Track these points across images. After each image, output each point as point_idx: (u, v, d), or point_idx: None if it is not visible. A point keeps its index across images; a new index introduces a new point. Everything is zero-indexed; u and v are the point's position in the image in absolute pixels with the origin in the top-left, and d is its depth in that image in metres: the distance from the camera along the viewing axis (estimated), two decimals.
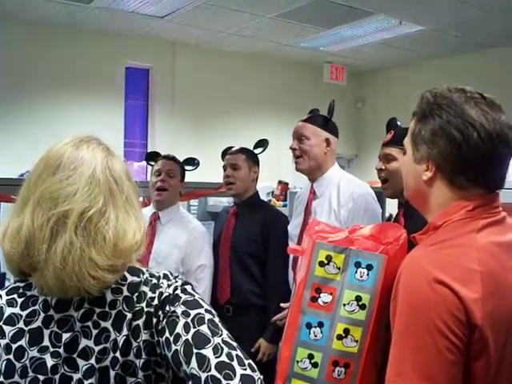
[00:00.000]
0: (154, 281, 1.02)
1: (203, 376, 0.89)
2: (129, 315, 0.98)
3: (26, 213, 0.97)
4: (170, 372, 1.00)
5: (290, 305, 1.25)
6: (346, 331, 1.18)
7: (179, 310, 0.97)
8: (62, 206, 0.95)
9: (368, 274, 1.18)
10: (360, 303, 1.17)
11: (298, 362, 1.20)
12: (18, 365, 0.95)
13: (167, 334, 0.95)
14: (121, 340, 0.96)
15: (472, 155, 1.02)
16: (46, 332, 0.97)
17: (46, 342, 0.96)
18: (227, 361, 0.91)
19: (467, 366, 0.94)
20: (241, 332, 2.51)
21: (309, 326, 1.20)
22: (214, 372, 0.89)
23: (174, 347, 0.93)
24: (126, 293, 1.00)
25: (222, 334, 0.95)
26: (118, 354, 0.96)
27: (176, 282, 1.03)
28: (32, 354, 0.96)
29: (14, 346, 0.96)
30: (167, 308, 0.98)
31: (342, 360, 1.18)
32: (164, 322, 0.97)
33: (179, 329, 0.95)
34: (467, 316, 0.93)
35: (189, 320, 0.96)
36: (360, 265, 1.19)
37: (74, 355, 0.96)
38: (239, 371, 0.89)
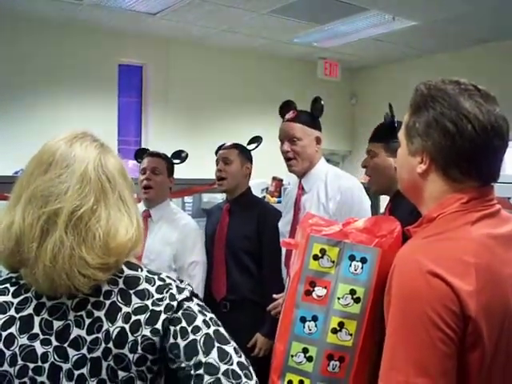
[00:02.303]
0: (160, 282, 1.02)
1: (223, 367, 0.91)
2: (125, 308, 0.98)
3: (18, 210, 0.97)
4: (162, 371, 1.01)
5: (283, 298, 1.26)
6: (341, 325, 1.17)
7: (195, 308, 1.00)
8: (52, 204, 0.95)
9: (362, 268, 1.17)
10: (354, 297, 1.17)
11: (292, 356, 1.20)
12: (7, 353, 0.95)
13: (184, 324, 0.97)
14: (114, 331, 0.96)
15: (466, 147, 1.02)
16: (37, 319, 0.97)
17: (36, 329, 0.96)
18: (246, 364, 0.94)
19: (461, 359, 0.94)
20: (237, 327, 2.51)
21: (303, 319, 1.20)
22: (235, 367, 0.92)
23: (192, 336, 0.95)
24: (121, 285, 1.00)
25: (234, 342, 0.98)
26: (110, 345, 0.96)
27: (185, 286, 1.04)
28: (22, 342, 0.96)
29: (3, 334, 0.96)
30: (181, 303, 0.99)
31: (336, 354, 1.18)
32: (179, 314, 0.98)
33: (198, 322, 0.97)
34: (461, 308, 0.92)
35: (207, 318, 0.98)
36: (354, 258, 1.18)
37: (65, 345, 0.96)
38: (254, 378, 0.93)
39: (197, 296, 1.04)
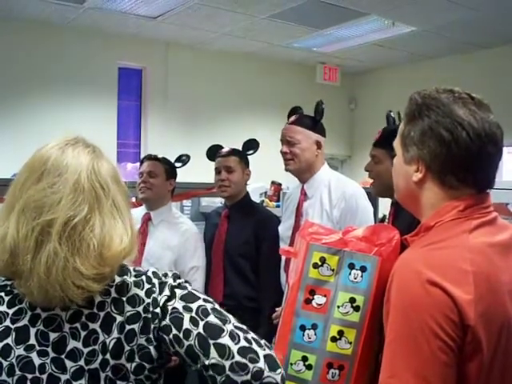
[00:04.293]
0: (147, 285, 1.01)
1: (227, 364, 0.91)
2: (119, 318, 0.97)
3: (11, 221, 0.96)
4: (161, 376, 1.01)
5: (282, 307, 1.26)
6: (340, 333, 1.17)
7: (179, 305, 0.98)
8: (46, 215, 0.94)
9: (362, 276, 1.17)
10: (354, 305, 1.17)
11: (291, 364, 1.20)
12: (4, 363, 0.94)
13: (175, 331, 0.96)
14: (110, 342, 0.96)
15: (461, 155, 1.02)
16: (33, 330, 0.96)
17: (33, 341, 0.96)
18: (247, 345, 0.93)
19: (460, 367, 0.94)
20: None
21: (302, 328, 1.20)
22: (238, 358, 0.91)
23: (186, 343, 0.94)
24: (114, 294, 0.99)
25: (230, 320, 0.97)
26: (107, 356, 0.95)
27: (166, 279, 1.02)
28: (18, 353, 0.95)
29: (0, 345, 0.95)
30: (166, 307, 0.98)
31: (336, 362, 1.17)
32: (168, 320, 0.97)
33: (186, 324, 0.96)
34: (460, 317, 0.93)
35: (193, 314, 0.97)
36: (354, 266, 1.18)
37: (62, 356, 0.95)
38: (261, 352, 0.92)
39: (178, 285, 1.01)
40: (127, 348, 0.96)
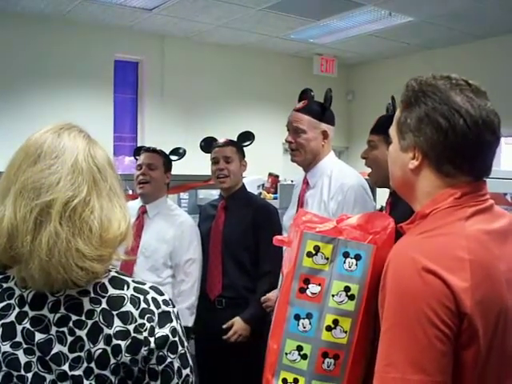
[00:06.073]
0: (144, 305, 0.98)
1: None
2: (107, 330, 0.95)
3: (7, 204, 0.93)
4: None
5: (277, 295, 1.25)
6: (335, 322, 1.17)
7: (176, 364, 0.98)
8: (45, 195, 0.92)
9: (356, 264, 1.17)
10: (349, 294, 1.16)
11: (286, 354, 1.19)
12: None
13: (159, 383, 0.96)
14: (95, 352, 0.94)
15: (458, 142, 1.01)
16: (19, 328, 0.94)
17: (19, 338, 0.94)
18: None
19: (457, 355, 0.93)
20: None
21: (297, 317, 1.19)
22: None
23: None
24: (104, 305, 0.96)
25: None
26: (92, 365, 0.93)
27: (168, 308, 1.00)
28: (4, 349, 0.93)
29: None
30: (164, 352, 0.97)
31: (331, 351, 1.17)
32: (160, 369, 0.96)
33: None
34: (456, 305, 0.92)
35: (180, 382, 0.97)
36: (348, 255, 1.18)
37: (47, 358, 0.94)
38: None
39: (175, 332, 0.99)
40: (113, 361, 0.94)
